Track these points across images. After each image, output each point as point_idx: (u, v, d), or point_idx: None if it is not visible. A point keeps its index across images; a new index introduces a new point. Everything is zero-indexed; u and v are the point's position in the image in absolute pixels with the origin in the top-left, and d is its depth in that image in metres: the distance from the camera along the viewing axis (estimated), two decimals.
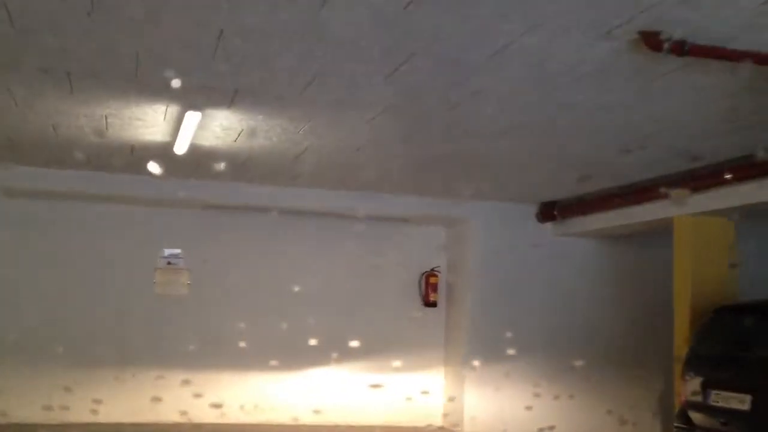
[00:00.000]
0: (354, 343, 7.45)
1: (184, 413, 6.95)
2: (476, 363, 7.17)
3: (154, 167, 6.15)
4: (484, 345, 7.25)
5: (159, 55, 3.92)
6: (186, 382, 6.95)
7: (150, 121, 5.17)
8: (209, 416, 7.19)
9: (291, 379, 7.53)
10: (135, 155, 6.09)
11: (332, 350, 7.42)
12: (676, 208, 5.88)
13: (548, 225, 7.67)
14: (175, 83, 4.27)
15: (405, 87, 4.24)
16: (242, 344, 7.15)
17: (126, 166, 6.51)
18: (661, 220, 6.09)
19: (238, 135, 5.41)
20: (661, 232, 6.39)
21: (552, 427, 6.93)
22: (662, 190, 5.73)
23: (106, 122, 5.22)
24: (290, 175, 6.80)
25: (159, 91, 4.49)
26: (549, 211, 7.54)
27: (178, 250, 7.45)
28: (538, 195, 7.43)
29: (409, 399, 7.45)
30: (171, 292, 7.43)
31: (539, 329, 7.38)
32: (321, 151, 5.87)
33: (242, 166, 6.39)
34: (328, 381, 7.58)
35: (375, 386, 7.28)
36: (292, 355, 7.39)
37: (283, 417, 7.32)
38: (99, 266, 7.19)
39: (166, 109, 4.88)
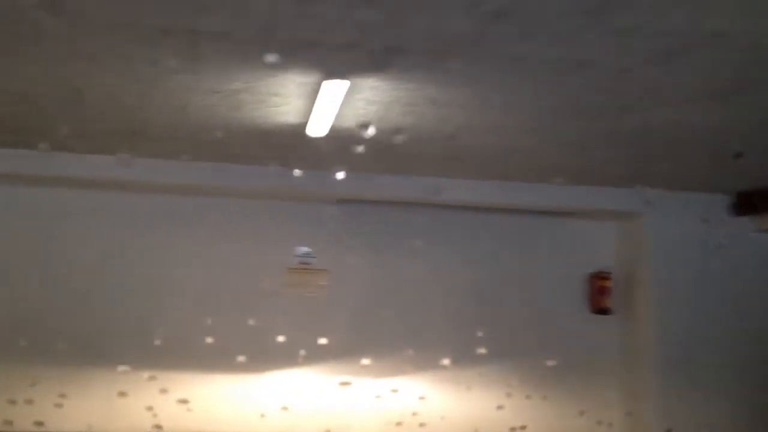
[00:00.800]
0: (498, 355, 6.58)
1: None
2: (663, 384, 6.04)
3: (340, 175, 5.53)
4: (672, 362, 6.10)
5: (297, 3, 3.15)
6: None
7: (287, 97, 4.43)
8: None
9: (432, 388, 6.71)
10: (267, 141, 5.41)
11: (480, 362, 6.55)
12: None
13: (746, 219, 6.42)
14: (317, 42, 3.52)
15: (603, 36, 3.26)
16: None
17: (254, 155, 5.88)
18: None
19: (385, 111, 4.59)
20: None
21: None
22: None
23: (239, 100, 4.54)
24: (439, 163, 5.94)
25: (298, 54, 3.72)
26: (748, 202, 6.30)
27: (311, 249, 6.77)
28: (734, 182, 6.19)
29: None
30: (304, 293, 6.77)
31: (740, 344, 6.15)
32: (478, 130, 4.97)
33: (384, 151, 5.59)
34: (478, 396, 6.66)
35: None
36: (426, 365, 6.60)
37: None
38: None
39: (305, 80, 4.11)
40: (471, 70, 3.81)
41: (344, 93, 4.14)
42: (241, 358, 6.09)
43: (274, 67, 3.91)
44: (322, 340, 6.31)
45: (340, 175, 5.20)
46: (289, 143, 5.34)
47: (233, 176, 6.31)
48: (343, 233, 6.81)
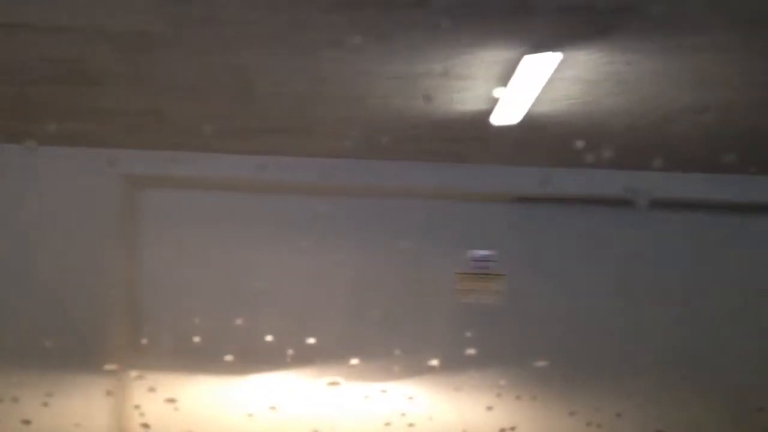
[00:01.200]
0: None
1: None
2: None
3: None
4: None
5: None
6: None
7: (476, 80, 3.84)
8: None
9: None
10: (447, 134, 4.85)
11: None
12: None
13: None
14: (528, 6, 2.90)
15: None
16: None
17: (429, 150, 5.36)
18: None
19: (594, 90, 3.90)
20: None
21: None
22: None
23: (420, 86, 4.00)
24: (642, 154, 5.14)
25: (504, 24, 3.12)
26: None
27: (489, 252, 6.14)
28: None
29: None
30: (479, 300, 6.17)
31: None
32: (700, 111, 4.16)
33: (579, 140, 4.88)
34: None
35: None
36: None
37: None
38: None
39: (503, 56, 3.50)
40: (716, 33, 3.06)
41: (552, 69, 3.49)
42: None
43: (479, 41, 3.33)
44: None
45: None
46: (473, 134, 4.76)
47: (399, 174, 5.82)
48: (520, 236, 6.17)
